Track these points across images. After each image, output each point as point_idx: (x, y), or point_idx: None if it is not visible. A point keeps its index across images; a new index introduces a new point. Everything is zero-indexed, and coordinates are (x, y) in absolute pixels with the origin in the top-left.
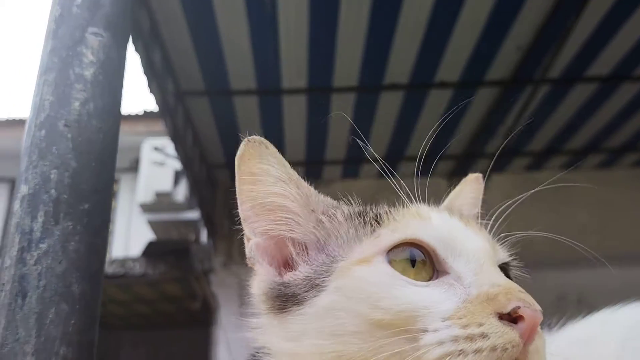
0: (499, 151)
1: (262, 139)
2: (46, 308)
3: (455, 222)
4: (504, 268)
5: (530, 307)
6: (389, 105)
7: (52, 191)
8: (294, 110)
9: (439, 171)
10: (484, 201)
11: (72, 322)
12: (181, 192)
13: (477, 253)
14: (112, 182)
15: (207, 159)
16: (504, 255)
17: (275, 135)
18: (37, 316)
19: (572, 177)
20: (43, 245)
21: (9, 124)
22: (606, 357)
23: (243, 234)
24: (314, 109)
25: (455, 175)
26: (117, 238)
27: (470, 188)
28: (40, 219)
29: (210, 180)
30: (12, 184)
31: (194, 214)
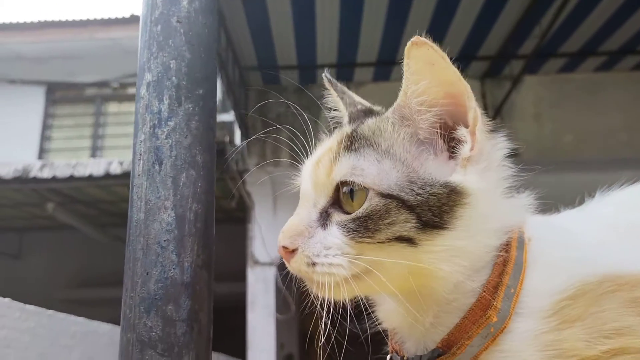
0: (532, 52)
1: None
2: (179, 173)
3: (306, 171)
4: (347, 183)
5: (280, 244)
6: (421, 6)
7: (173, 78)
8: (327, 12)
9: (471, 72)
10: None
11: (199, 185)
12: (216, 94)
13: (301, 199)
14: (216, 71)
15: (239, 62)
16: (337, 177)
17: (307, 37)
18: (172, 179)
19: (606, 79)
20: (171, 123)
21: (41, 27)
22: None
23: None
24: (346, 10)
25: (489, 77)
26: None
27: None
28: (166, 102)
29: (243, 82)
30: (47, 86)
31: (227, 116)
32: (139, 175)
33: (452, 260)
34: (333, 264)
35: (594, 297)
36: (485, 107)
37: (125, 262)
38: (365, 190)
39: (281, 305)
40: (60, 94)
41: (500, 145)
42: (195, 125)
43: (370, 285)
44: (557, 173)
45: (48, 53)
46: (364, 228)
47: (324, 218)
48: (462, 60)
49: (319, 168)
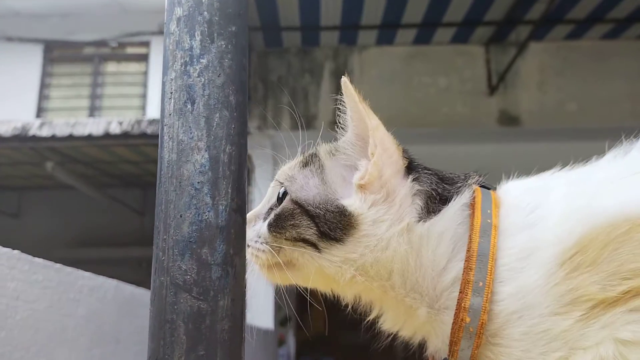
0: (540, 17)
1: None
2: (212, 113)
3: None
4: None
5: None
6: None
7: (205, 13)
8: None
9: (476, 38)
10: None
11: (233, 126)
12: None
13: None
14: (247, 8)
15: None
16: (280, 180)
17: None
18: (205, 120)
19: (612, 47)
20: (203, 61)
21: None
22: None
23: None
24: None
25: (493, 42)
26: (151, 100)
27: None
28: (197, 38)
29: None
30: (45, 45)
31: None
32: (169, 114)
33: (345, 269)
34: (259, 249)
35: (606, 240)
36: (489, 74)
37: (157, 204)
38: (288, 195)
39: None
40: (58, 53)
41: (409, 185)
42: (228, 64)
43: (296, 276)
44: (559, 141)
45: (46, 10)
46: (276, 224)
47: (268, 213)
48: (467, 25)
49: (279, 174)
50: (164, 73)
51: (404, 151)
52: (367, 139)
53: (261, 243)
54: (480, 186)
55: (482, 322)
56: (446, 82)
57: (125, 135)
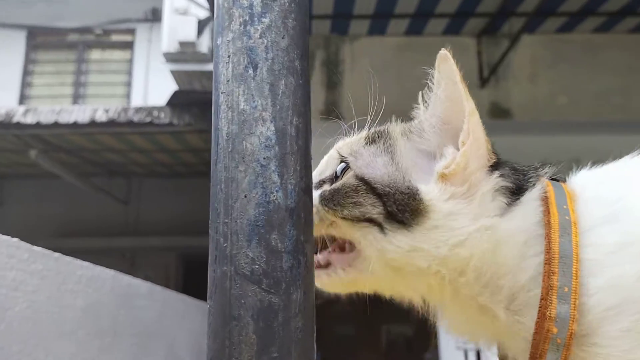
0: (533, 9)
1: None
2: (276, 79)
3: (334, 146)
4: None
5: None
6: None
7: None
8: None
9: (468, 30)
10: None
11: (299, 95)
12: (205, 42)
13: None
14: None
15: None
16: (342, 153)
17: None
18: (269, 86)
19: (603, 40)
20: (265, 20)
21: None
22: None
23: None
24: None
25: (485, 34)
26: (136, 88)
27: None
28: None
29: None
30: (28, 31)
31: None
32: (227, 81)
33: (416, 257)
34: None
35: None
36: (480, 66)
37: (214, 182)
38: (351, 171)
39: None
40: (41, 39)
41: (494, 180)
42: (292, 25)
43: (352, 264)
44: (550, 134)
45: None
46: (332, 199)
47: (318, 185)
48: (460, 17)
49: (337, 149)
50: (218, 34)
51: (492, 144)
52: (456, 124)
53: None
54: (550, 179)
55: (572, 333)
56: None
57: (111, 123)
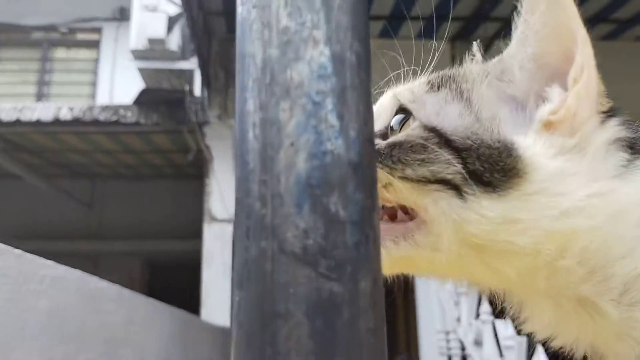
0: (508, 14)
1: None
2: None
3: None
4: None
5: None
6: None
7: None
8: None
9: (443, 33)
10: None
11: (359, 12)
12: (174, 40)
13: None
14: None
15: (204, 6)
16: (401, 100)
17: None
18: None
19: None
20: None
21: None
22: None
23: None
24: None
25: (460, 39)
26: (102, 88)
27: None
28: None
29: (207, 29)
30: None
31: (187, 64)
32: None
33: (510, 231)
34: None
35: None
36: None
37: (241, 129)
38: (414, 121)
39: None
40: (4, 37)
41: (612, 130)
42: None
43: (418, 237)
44: None
45: None
46: (390, 156)
47: None
48: (435, 20)
49: (394, 95)
50: None
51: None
52: (556, 60)
53: None
54: None
55: None
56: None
57: (76, 121)
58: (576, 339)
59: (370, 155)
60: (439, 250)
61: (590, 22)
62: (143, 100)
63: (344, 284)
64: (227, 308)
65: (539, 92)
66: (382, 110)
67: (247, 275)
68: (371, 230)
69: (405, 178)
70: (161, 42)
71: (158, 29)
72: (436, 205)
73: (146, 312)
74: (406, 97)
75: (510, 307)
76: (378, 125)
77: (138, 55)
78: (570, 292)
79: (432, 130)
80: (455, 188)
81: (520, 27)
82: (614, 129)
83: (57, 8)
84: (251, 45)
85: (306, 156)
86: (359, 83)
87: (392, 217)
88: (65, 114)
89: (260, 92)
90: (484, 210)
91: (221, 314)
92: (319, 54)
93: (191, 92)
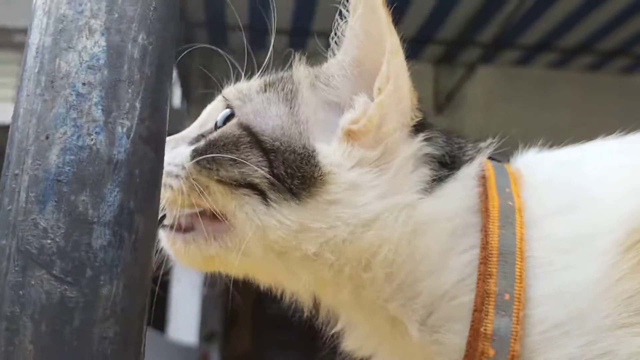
0: (491, 40)
1: None
2: None
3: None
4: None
5: None
6: None
7: None
8: None
9: (426, 56)
10: None
11: (153, 5)
12: None
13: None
14: None
15: (186, 15)
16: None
17: None
18: None
19: (559, 77)
20: None
21: None
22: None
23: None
24: None
25: (443, 62)
26: None
27: None
28: None
29: (189, 39)
30: None
31: None
32: None
33: (303, 239)
34: (172, 173)
35: None
36: (437, 93)
37: (13, 117)
38: (236, 118)
39: (209, 280)
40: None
41: (418, 145)
42: None
43: (225, 241)
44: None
45: None
46: (206, 155)
47: (195, 141)
48: (419, 42)
49: (223, 94)
50: None
51: (419, 100)
52: (374, 67)
53: (177, 167)
54: (489, 158)
55: (514, 355)
56: None
57: None
58: (394, 359)
59: (144, 156)
60: (246, 254)
61: (535, 49)
62: None
63: (80, 288)
64: (194, 323)
65: (350, 100)
66: (214, 110)
67: None
68: (129, 233)
69: (220, 181)
70: None
71: None
72: (242, 211)
73: None
74: (233, 95)
75: (329, 324)
76: (210, 124)
77: None
78: (380, 309)
79: (246, 128)
80: (261, 193)
81: (345, 29)
82: (421, 144)
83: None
84: (32, 33)
85: (59, 150)
86: (139, 78)
87: (215, 215)
88: None
89: (29, 81)
90: (282, 217)
91: (189, 332)
92: (93, 44)
93: (170, 103)
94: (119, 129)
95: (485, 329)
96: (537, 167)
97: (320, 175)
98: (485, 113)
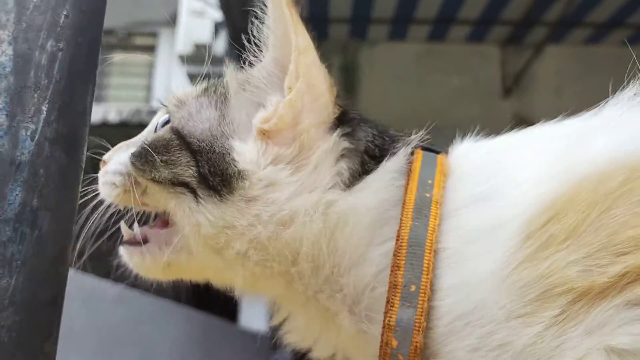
0: (558, 19)
1: None
2: None
3: None
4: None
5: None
6: None
7: None
8: None
9: (492, 37)
10: None
11: (64, 12)
12: (221, 44)
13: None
14: None
15: (245, 10)
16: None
17: None
18: None
19: (631, 53)
20: None
21: None
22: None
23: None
24: None
25: (510, 43)
26: (158, 91)
27: None
28: None
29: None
30: None
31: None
32: None
33: (231, 236)
34: (110, 171)
35: (592, 199)
36: (504, 76)
37: None
38: (170, 123)
39: None
40: None
41: (336, 140)
42: None
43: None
44: None
45: None
46: (141, 156)
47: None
48: (483, 24)
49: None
50: None
51: (338, 95)
52: (287, 67)
53: (122, 165)
54: (424, 148)
55: (417, 346)
56: (459, 83)
57: (123, 124)
58: (331, 351)
59: (50, 156)
60: (190, 252)
61: (607, 26)
62: None
63: None
64: (262, 311)
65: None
66: (159, 116)
67: None
68: (31, 229)
69: (154, 180)
70: (207, 47)
71: (204, 33)
72: (180, 209)
73: (153, 313)
74: (172, 101)
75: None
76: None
77: (185, 59)
78: (314, 300)
79: (176, 132)
80: (193, 192)
81: (264, 30)
82: (336, 140)
83: (115, 13)
84: None
85: None
86: (46, 84)
87: (166, 223)
88: (113, 117)
89: None
90: (208, 214)
91: (258, 318)
92: (1, 53)
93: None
94: (23, 132)
95: (389, 320)
96: (466, 156)
97: (236, 173)
98: (555, 94)
